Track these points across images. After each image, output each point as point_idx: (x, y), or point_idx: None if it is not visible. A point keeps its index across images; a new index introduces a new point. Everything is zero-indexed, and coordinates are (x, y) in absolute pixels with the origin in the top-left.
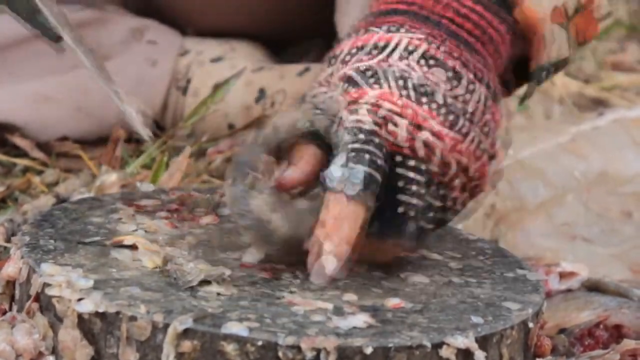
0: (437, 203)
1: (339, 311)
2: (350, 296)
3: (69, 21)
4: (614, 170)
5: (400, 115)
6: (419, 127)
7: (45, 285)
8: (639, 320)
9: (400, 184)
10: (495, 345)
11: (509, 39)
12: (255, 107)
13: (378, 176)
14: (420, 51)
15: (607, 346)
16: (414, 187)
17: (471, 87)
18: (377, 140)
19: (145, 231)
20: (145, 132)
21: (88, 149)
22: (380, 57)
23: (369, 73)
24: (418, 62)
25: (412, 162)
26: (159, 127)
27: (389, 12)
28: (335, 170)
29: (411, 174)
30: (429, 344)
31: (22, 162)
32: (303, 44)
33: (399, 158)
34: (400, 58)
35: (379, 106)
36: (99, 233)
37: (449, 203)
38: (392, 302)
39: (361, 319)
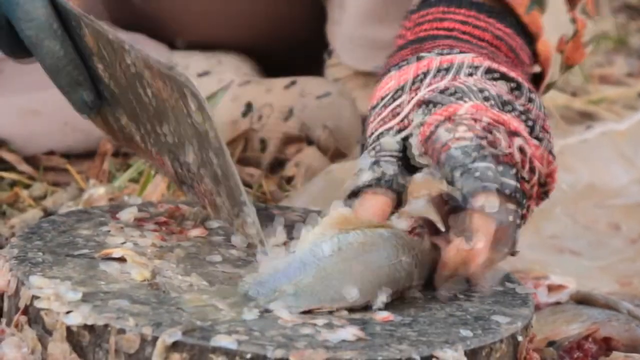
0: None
1: (328, 324)
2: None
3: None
4: (602, 183)
5: (498, 123)
6: (514, 134)
7: (34, 297)
8: (627, 333)
9: None
10: (484, 358)
11: (529, 64)
12: (242, 121)
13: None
14: (484, 66)
15: (596, 359)
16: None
17: (532, 95)
18: (486, 153)
19: (134, 244)
20: None
21: (75, 162)
22: (449, 77)
23: (449, 92)
24: (483, 77)
25: (512, 170)
26: None
27: (429, 38)
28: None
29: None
30: (418, 357)
31: (9, 175)
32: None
33: (500, 168)
34: (469, 75)
35: (476, 119)
36: (87, 246)
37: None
38: (381, 315)
39: (350, 332)
